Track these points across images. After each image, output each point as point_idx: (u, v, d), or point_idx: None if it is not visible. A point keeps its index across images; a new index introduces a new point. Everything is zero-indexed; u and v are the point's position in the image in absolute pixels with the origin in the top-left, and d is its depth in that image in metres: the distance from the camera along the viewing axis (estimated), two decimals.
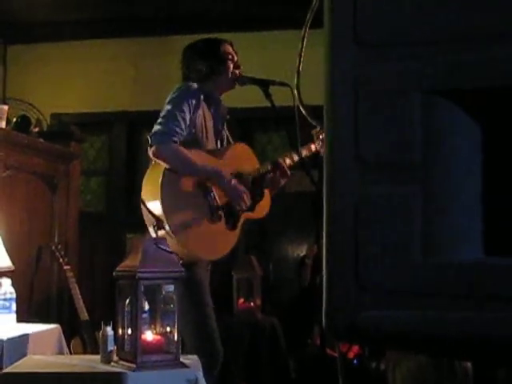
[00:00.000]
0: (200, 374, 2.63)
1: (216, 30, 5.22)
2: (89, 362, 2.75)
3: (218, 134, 3.35)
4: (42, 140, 5.02)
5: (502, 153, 0.98)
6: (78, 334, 4.58)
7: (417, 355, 2.72)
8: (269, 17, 6.29)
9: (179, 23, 6.39)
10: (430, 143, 0.97)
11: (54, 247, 4.76)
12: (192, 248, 3.01)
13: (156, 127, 3.05)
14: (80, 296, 4.61)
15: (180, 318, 2.70)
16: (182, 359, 2.64)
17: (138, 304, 2.57)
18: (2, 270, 3.77)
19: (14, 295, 3.64)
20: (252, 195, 3.30)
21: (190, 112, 3.11)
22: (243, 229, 3.29)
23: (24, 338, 3.32)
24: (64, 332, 3.83)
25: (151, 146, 3.03)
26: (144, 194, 3.04)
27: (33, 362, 2.86)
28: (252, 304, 5.27)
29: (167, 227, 2.90)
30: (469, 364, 2.73)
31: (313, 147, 3.53)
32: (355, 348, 4.69)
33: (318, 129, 3.55)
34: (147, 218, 2.99)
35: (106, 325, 2.81)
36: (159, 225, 2.89)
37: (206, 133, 3.24)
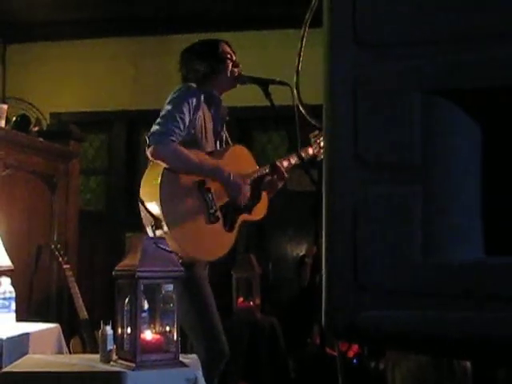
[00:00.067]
0: (199, 373, 2.63)
1: (216, 29, 5.23)
2: (88, 362, 2.75)
3: (217, 135, 3.35)
4: (41, 139, 5.02)
5: (502, 153, 0.98)
6: (78, 334, 4.58)
7: (416, 355, 2.72)
8: (269, 16, 6.29)
9: (179, 23, 6.40)
10: (430, 143, 0.97)
11: (53, 246, 4.76)
12: (189, 249, 3.01)
13: (154, 127, 3.05)
14: (79, 295, 4.61)
15: (183, 317, 2.71)
16: (181, 358, 2.64)
17: (138, 303, 2.57)
18: (2, 269, 3.77)
19: (14, 294, 3.64)
20: (250, 197, 3.30)
21: (189, 113, 3.11)
22: (240, 230, 3.29)
23: (23, 337, 3.32)
24: (63, 331, 3.83)
25: (149, 147, 3.02)
26: (143, 194, 3.04)
27: (32, 361, 2.86)
28: (251, 303, 5.27)
29: (165, 227, 2.90)
30: (468, 363, 2.73)
31: (310, 151, 3.53)
32: (355, 347, 4.69)
33: (316, 132, 3.55)
34: (145, 218, 2.99)
35: (106, 324, 2.81)
36: (157, 225, 2.89)
37: (206, 134, 3.24)
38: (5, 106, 4.70)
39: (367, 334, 1.01)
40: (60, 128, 5.67)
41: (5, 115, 4.61)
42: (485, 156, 0.98)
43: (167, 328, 2.66)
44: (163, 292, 2.69)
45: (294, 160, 3.44)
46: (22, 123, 4.90)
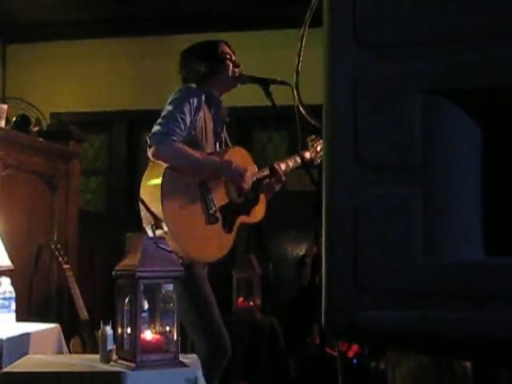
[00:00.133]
0: (199, 373, 2.63)
1: (216, 29, 5.23)
2: (88, 362, 2.75)
3: (217, 137, 3.35)
4: (41, 139, 5.02)
5: (502, 153, 0.98)
6: (78, 334, 4.58)
7: (417, 355, 2.72)
8: (269, 16, 6.29)
9: (179, 23, 6.40)
10: (430, 143, 0.97)
11: (53, 246, 4.76)
12: (189, 249, 3.01)
13: (155, 128, 3.05)
14: (79, 295, 4.61)
15: (184, 316, 2.71)
16: (181, 358, 2.64)
17: (138, 303, 2.57)
18: (2, 269, 3.76)
19: (14, 294, 3.64)
20: (248, 199, 3.31)
21: (190, 113, 3.11)
22: (239, 232, 3.30)
23: (23, 337, 3.31)
24: (63, 331, 3.82)
25: (150, 147, 3.02)
26: (143, 194, 3.04)
27: (32, 361, 2.86)
28: (251, 303, 5.28)
29: (165, 227, 2.90)
30: (468, 363, 2.73)
31: (307, 155, 3.54)
32: (355, 347, 4.69)
33: (313, 137, 3.56)
34: (146, 218, 2.99)
35: (106, 324, 2.81)
36: (157, 224, 2.89)
37: (206, 135, 3.24)
38: (5, 106, 4.69)
39: (367, 334, 1.01)
40: (60, 128, 5.66)
41: (5, 115, 4.61)
42: (485, 156, 0.98)
43: (167, 328, 2.66)
44: (163, 292, 2.69)
45: (291, 163, 3.45)
46: (22, 123, 4.90)
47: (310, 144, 3.56)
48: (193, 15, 6.31)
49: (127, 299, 2.63)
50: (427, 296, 0.96)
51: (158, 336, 2.65)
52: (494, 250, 0.97)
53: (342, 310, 1.02)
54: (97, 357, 2.78)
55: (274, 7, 6.10)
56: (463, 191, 0.97)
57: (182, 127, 3.06)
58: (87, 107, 6.74)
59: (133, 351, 2.56)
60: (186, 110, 3.09)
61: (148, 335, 2.63)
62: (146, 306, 2.65)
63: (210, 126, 3.29)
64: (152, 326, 2.67)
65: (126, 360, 2.60)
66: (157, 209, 2.94)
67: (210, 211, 3.12)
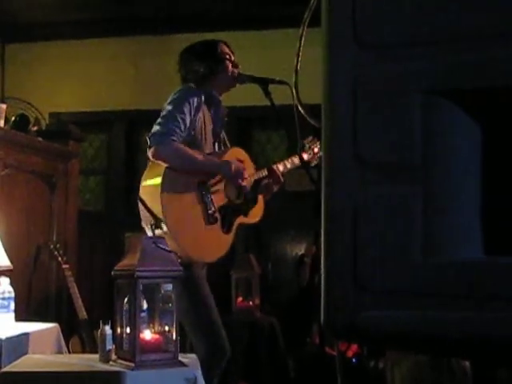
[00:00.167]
0: (199, 373, 2.63)
1: (216, 29, 5.23)
2: (87, 361, 2.75)
3: (216, 137, 3.35)
4: (40, 139, 5.02)
5: (502, 153, 0.98)
6: (77, 333, 4.58)
7: (416, 355, 2.72)
8: (268, 16, 6.29)
9: (179, 23, 6.40)
10: (430, 143, 0.97)
11: (52, 246, 4.76)
12: (188, 249, 3.01)
13: (155, 128, 3.06)
14: (78, 295, 4.61)
15: (183, 316, 2.71)
16: (180, 358, 2.64)
17: (137, 303, 2.57)
18: (1, 269, 3.76)
19: (13, 294, 3.64)
20: (247, 200, 3.31)
21: (190, 113, 3.11)
22: (237, 233, 3.30)
23: (23, 337, 3.31)
24: (63, 331, 3.82)
25: (150, 147, 3.02)
26: (143, 194, 3.04)
27: (31, 361, 2.86)
28: (251, 303, 5.28)
29: (165, 227, 2.90)
30: (467, 363, 2.73)
31: (305, 156, 3.54)
32: (354, 347, 4.69)
33: (310, 138, 3.56)
34: (145, 218, 3.00)
35: (105, 324, 2.81)
36: (157, 224, 2.89)
37: (205, 135, 3.25)
38: (4, 106, 4.69)
39: (366, 334, 1.01)
40: (59, 128, 5.66)
41: (4, 115, 4.61)
42: (485, 156, 0.98)
43: (166, 328, 2.66)
44: (162, 292, 2.69)
45: (289, 164, 3.46)
46: (21, 123, 4.90)
47: (307, 146, 3.57)
48: (193, 15, 6.32)
49: (126, 299, 2.63)
50: (427, 296, 0.96)
51: (157, 336, 2.65)
52: (493, 249, 0.97)
53: (342, 309, 1.02)
54: (96, 356, 2.78)
55: (274, 7, 6.10)
56: (463, 191, 0.97)
57: (182, 127, 3.06)
58: (86, 107, 6.74)
59: (132, 351, 2.56)
60: (186, 110, 3.09)
61: (147, 335, 2.63)
62: (145, 305, 2.65)
63: (210, 126, 3.29)
64: (151, 325, 2.67)
65: (125, 360, 2.60)
66: (156, 209, 2.94)
67: (209, 211, 3.12)
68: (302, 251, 6.16)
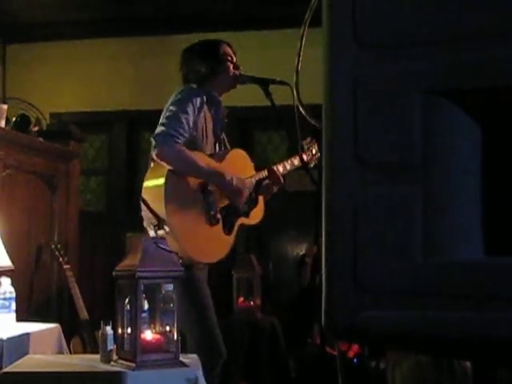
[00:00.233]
0: (200, 373, 2.63)
1: (216, 29, 5.23)
2: (88, 362, 2.75)
3: (216, 137, 3.35)
4: (41, 139, 5.02)
5: (502, 153, 0.98)
6: (78, 334, 4.58)
7: (417, 355, 2.72)
8: (269, 16, 6.29)
9: (179, 23, 6.40)
10: (430, 143, 0.97)
11: (53, 246, 4.76)
12: (190, 250, 3.02)
13: (159, 128, 3.05)
14: (80, 295, 4.61)
15: (181, 317, 2.70)
16: (181, 358, 2.64)
17: (138, 303, 2.57)
18: (2, 269, 3.76)
19: (14, 294, 3.64)
20: (248, 201, 3.31)
21: (193, 114, 3.11)
22: (238, 234, 3.30)
23: (24, 337, 3.31)
24: (64, 331, 3.82)
25: (155, 147, 3.02)
26: (145, 194, 3.04)
27: (33, 361, 2.86)
28: (252, 303, 5.28)
29: (168, 228, 2.90)
30: (468, 363, 2.73)
31: (304, 157, 3.54)
32: (355, 347, 4.69)
33: (309, 140, 3.57)
34: (147, 218, 2.99)
35: (106, 324, 2.81)
36: (159, 225, 2.89)
37: (206, 135, 3.25)
38: (5, 106, 4.69)
39: (367, 334, 1.01)
40: (60, 128, 5.66)
41: (5, 115, 4.61)
42: (485, 156, 0.98)
43: (167, 328, 2.66)
44: (163, 292, 2.69)
45: (289, 165, 3.47)
46: (22, 123, 4.90)
47: (305, 147, 3.58)
48: (193, 15, 6.31)
49: (127, 299, 2.63)
50: (427, 296, 0.96)
51: (158, 336, 2.65)
52: (493, 249, 0.97)
53: (342, 309, 1.02)
54: (97, 357, 2.78)
55: (274, 7, 6.10)
56: (463, 191, 0.97)
57: (186, 128, 3.07)
58: (87, 107, 6.74)
59: (133, 351, 2.56)
60: (190, 110, 3.10)
61: (148, 335, 2.63)
62: (146, 306, 2.65)
63: (210, 127, 3.29)
64: (152, 326, 2.67)
65: (126, 360, 2.60)
66: (159, 209, 2.94)
67: (211, 213, 3.12)
68: (303, 251, 6.16)
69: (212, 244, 3.15)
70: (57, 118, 6.62)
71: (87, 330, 4.55)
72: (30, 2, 6.13)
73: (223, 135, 3.43)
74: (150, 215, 2.95)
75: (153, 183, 3.06)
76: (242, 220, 3.31)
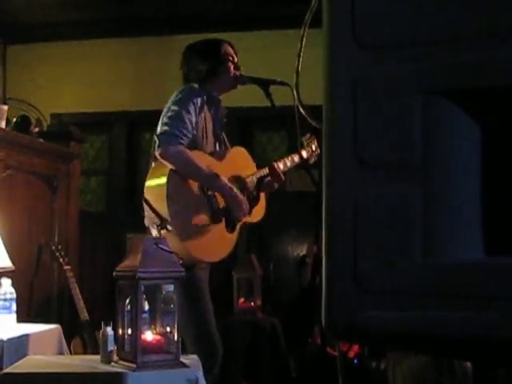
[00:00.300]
0: (200, 374, 2.63)
1: (216, 29, 5.23)
2: (89, 362, 2.75)
3: (216, 136, 3.35)
4: (41, 140, 5.02)
5: (502, 153, 0.98)
6: (79, 334, 4.58)
7: (417, 355, 2.72)
8: (269, 17, 6.29)
9: (179, 23, 6.40)
10: (430, 143, 0.97)
11: (54, 247, 4.76)
12: (194, 249, 3.01)
13: (163, 128, 3.04)
14: (80, 296, 4.61)
15: (180, 318, 2.70)
16: (182, 359, 2.64)
17: (138, 304, 2.57)
18: (2, 270, 3.76)
19: (14, 295, 3.64)
20: (250, 199, 3.31)
21: (195, 114, 3.11)
22: (241, 232, 3.30)
23: (24, 338, 3.31)
24: (64, 332, 3.82)
25: (159, 147, 3.02)
26: (147, 194, 3.04)
27: (33, 362, 2.86)
28: (252, 304, 5.27)
29: (171, 227, 2.90)
30: (468, 363, 2.73)
31: (304, 154, 3.55)
32: (355, 347, 4.69)
33: (308, 136, 3.57)
34: (150, 218, 2.99)
35: (106, 325, 2.81)
36: (163, 225, 2.89)
37: (206, 135, 3.25)
38: (5, 107, 4.69)
39: (367, 334, 1.01)
40: (60, 129, 5.66)
41: (5, 116, 4.61)
42: (485, 156, 0.98)
43: (168, 329, 2.66)
44: (164, 292, 2.69)
45: (289, 162, 3.47)
46: (23, 124, 4.90)
47: (305, 143, 3.58)
48: (193, 15, 6.32)
49: (128, 300, 2.63)
50: (427, 296, 0.96)
51: (158, 337, 2.65)
52: (494, 250, 0.97)
53: (342, 309, 1.02)
54: (97, 357, 2.78)
55: (274, 7, 6.10)
56: (463, 191, 0.97)
57: (189, 128, 3.07)
58: (87, 108, 6.75)
59: (133, 352, 2.56)
60: (192, 110, 3.10)
61: (149, 336, 2.63)
62: (146, 306, 2.65)
63: (210, 126, 3.29)
64: (153, 326, 2.67)
65: (126, 361, 2.59)
66: (161, 209, 2.94)
67: (214, 211, 3.12)
68: (304, 252, 6.16)
69: (215, 243, 3.14)
70: (57, 118, 6.62)
71: (88, 330, 4.55)
72: (30, 2, 6.13)
73: (223, 134, 3.43)
74: (153, 215, 2.95)
75: (155, 183, 3.06)
76: (244, 218, 3.31)
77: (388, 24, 0.99)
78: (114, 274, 2.70)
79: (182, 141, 3.02)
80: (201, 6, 6.17)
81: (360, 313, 1.00)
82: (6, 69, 6.87)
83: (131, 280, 2.59)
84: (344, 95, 1.02)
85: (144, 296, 2.61)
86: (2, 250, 3.84)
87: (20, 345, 3.25)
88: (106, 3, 6.27)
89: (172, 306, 2.67)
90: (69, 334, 4.30)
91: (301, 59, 1.32)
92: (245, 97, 4.06)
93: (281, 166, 3.43)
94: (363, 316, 1.00)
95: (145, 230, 3.05)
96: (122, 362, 2.61)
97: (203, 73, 3.27)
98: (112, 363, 2.65)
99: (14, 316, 3.63)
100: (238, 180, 3.32)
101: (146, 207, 3.01)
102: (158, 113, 3.15)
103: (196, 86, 3.21)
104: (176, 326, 2.65)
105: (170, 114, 3.08)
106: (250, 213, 3.33)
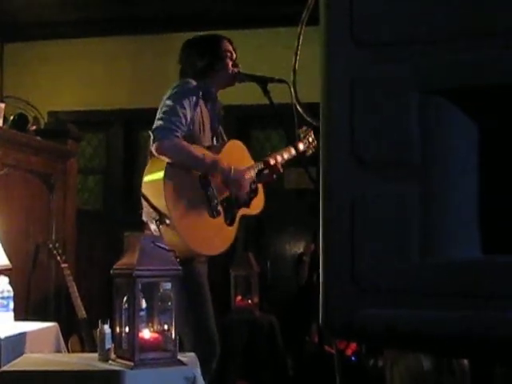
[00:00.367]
0: (198, 372, 2.63)
1: (215, 28, 5.22)
2: (87, 360, 2.74)
3: (213, 131, 3.36)
4: (39, 138, 5.01)
5: (500, 152, 0.98)
6: (76, 332, 4.57)
7: (415, 354, 2.72)
8: (268, 15, 6.29)
9: (179, 23, 6.39)
10: (428, 143, 0.97)
11: (51, 245, 4.75)
12: (194, 243, 3.01)
13: (158, 122, 3.06)
14: (77, 294, 4.61)
15: (178, 312, 2.70)
16: (179, 357, 2.64)
17: (136, 302, 2.57)
18: (0, 268, 3.76)
19: (12, 293, 3.64)
20: (248, 191, 3.32)
21: (190, 108, 3.12)
22: (240, 225, 3.30)
23: (22, 336, 3.31)
24: (62, 330, 3.82)
25: (154, 142, 3.03)
26: (145, 189, 3.04)
27: (30, 360, 2.86)
28: (250, 301, 5.28)
29: (170, 222, 2.90)
30: (466, 362, 2.73)
31: (301, 146, 3.55)
32: (353, 345, 4.69)
33: (305, 128, 3.58)
34: (148, 213, 2.99)
35: (104, 323, 2.81)
36: (161, 219, 2.89)
37: (203, 129, 3.26)
38: (2, 105, 4.68)
39: (364, 333, 1.01)
40: (58, 127, 5.65)
41: (2, 114, 4.60)
42: (483, 156, 0.98)
43: (165, 326, 2.66)
44: (161, 290, 2.69)
45: (286, 154, 3.47)
46: (20, 122, 4.89)
47: (302, 135, 3.59)
48: (193, 15, 6.31)
49: (125, 298, 2.63)
50: (425, 295, 0.96)
51: (156, 335, 2.65)
52: (492, 249, 0.97)
53: (340, 308, 1.02)
54: (95, 355, 2.78)
55: (274, 6, 6.09)
56: (461, 191, 0.97)
57: (184, 122, 3.08)
58: (85, 106, 6.74)
59: (131, 350, 2.56)
60: (186, 104, 3.10)
61: (146, 334, 2.63)
62: (143, 304, 2.65)
63: (207, 121, 3.30)
64: (150, 324, 2.67)
65: (124, 359, 2.59)
66: (159, 203, 2.94)
67: (212, 204, 3.12)
68: (301, 250, 6.16)
69: (215, 236, 3.15)
70: (54, 116, 6.61)
71: (85, 328, 4.55)
72: (29, 1, 6.12)
73: (220, 128, 3.44)
74: (151, 210, 2.95)
75: (152, 177, 3.06)
76: (243, 211, 3.31)
77: (386, 23, 0.99)
78: (111, 271, 2.70)
79: (176, 133, 3.03)
80: (201, 6, 6.17)
81: (358, 311, 1.00)
82: (4, 67, 6.86)
83: (128, 278, 2.59)
84: (342, 94, 1.02)
85: (141, 294, 2.61)
86: None
87: (17, 343, 3.25)
88: (106, 3, 6.26)
89: (169, 303, 2.67)
90: (66, 332, 4.30)
91: (298, 57, 1.32)
92: (243, 94, 4.05)
93: (278, 158, 3.43)
94: (361, 314, 1.00)
95: (142, 228, 3.05)
96: (119, 360, 2.61)
97: (201, 69, 3.27)
98: (109, 361, 2.65)
99: (12, 314, 3.63)
100: None
101: (143, 202, 3.02)
102: (156, 111, 3.15)
103: (191, 80, 3.20)
104: (173, 323, 2.65)
105: (164, 109, 3.09)
106: (248, 205, 3.34)
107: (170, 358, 2.61)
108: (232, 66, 3.32)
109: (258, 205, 3.41)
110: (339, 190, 1.02)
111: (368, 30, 1.00)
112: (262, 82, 3.25)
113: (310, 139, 3.63)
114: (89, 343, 4.49)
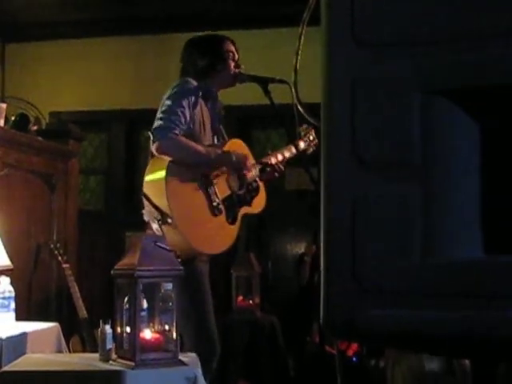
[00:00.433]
0: (199, 372, 2.63)
1: (216, 29, 5.22)
2: (88, 361, 2.75)
3: (214, 130, 3.37)
4: (40, 138, 5.01)
5: (501, 152, 0.98)
6: (77, 333, 4.57)
7: (417, 354, 2.72)
8: (268, 16, 6.29)
9: (179, 23, 6.39)
10: (430, 143, 0.97)
11: (52, 245, 4.75)
12: (196, 242, 3.02)
13: (157, 122, 3.07)
14: (79, 294, 4.61)
15: (179, 312, 2.70)
16: (180, 357, 2.64)
17: (137, 302, 2.57)
18: (1, 268, 3.76)
19: (13, 294, 3.64)
20: (249, 190, 3.32)
21: (189, 108, 3.13)
22: (242, 224, 3.30)
23: (23, 336, 3.31)
24: (63, 330, 3.82)
25: (154, 142, 3.03)
26: (147, 189, 3.04)
27: (32, 360, 2.86)
28: (251, 302, 5.27)
29: (172, 221, 2.90)
30: (467, 362, 2.73)
31: (302, 144, 3.56)
32: (354, 346, 4.69)
33: (305, 126, 3.58)
34: (150, 213, 2.99)
35: (105, 323, 2.81)
36: (163, 219, 2.89)
37: (204, 129, 3.26)
38: (4, 106, 4.69)
39: (365, 333, 1.01)
40: (59, 127, 5.65)
41: (4, 114, 4.60)
42: (485, 156, 0.98)
43: (166, 327, 2.66)
44: (162, 291, 2.69)
45: (288, 153, 3.48)
46: (21, 122, 4.89)
47: (302, 134, 3.59)
48: (193, 15, 6.31)
49: (126, 298, 2.63)
50: (427, 295, 0.96)
51: (157, 335, 2.65)
52: (493, 249, 0.97)
53: (341, 308, 1.02)
54: (96, 356, 2.78)
55: (274, 6, 6.09)
56: (463, 191, 0.97)
57: (183, 120, 3.08)
58: (86, 106, 6.74)
59: (132, 350, 2.56)
60: (185, 103, 3.11)
61: (147, 334, 2.63)
62: (145, 304, 2.65)
63: (208, 121, 3.30)
64: (151, 324, 2.67)
65: (125, 359, 2.59)
66: (161, 203, 2.94)
67: (214, 203, 3.12)
68: (302, 250, 6.16)
69: (217, 235, 3.15)
70: (56, 116, 6.61)
71: (86, 328, 4.55)
72: (30, 1, 6.12)
73: (221, 127, 3.44)
74: (153, 209, 2.95)
75: (153, 177, 3.07)
76: (245, 209, 3.31)
77: (388, 23, 0.99)
78: (112, 272, 2.70)
79: (175, 131, 3.04)
80: (201, 6, 6.17)
81: (359, 311, 1.00)
82: (5, 67, 6.86)
83: (130, 278, 2.59)
84: (343, 95, 1.02)
85: (142, 294, 2.61)
86: (0, 248, 3.84)
87: (18, 343, 3.25)
88: (106, 3, 6.26)
89: (170, 304, 2.67)
90: (67, 332, 4.30)
91: (299, 57, 1.32)
92: (244, 95, 4.05)
93: (279, 157, 3.44)
94: (362, 315, 1.00)
95: (144, 228, 3.05)
96: (120, 360, 2.61)
97: (203, 68, 3.27)
98: (110, 361, 2.65)
99: (13, 314, 3.63)
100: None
101: (145, 202, 3.02)
102: (157, 111, 3.16)
103: (191, 80, 3.21)
104: (174, 324, 2.65)
105: (163, 108, 3.10)
106: (250, 204, 3.34)
107: (171, 358, 2.61)
108: (234, 66, 3.32)
109: (259, 203, 3.41)
110: (340, 190, 1.02)
111: (369, 30, 1.00)
112: (263, 82, 3.25)
113: (311, 137, 3.64)
114: (90, 343, 4.49)
